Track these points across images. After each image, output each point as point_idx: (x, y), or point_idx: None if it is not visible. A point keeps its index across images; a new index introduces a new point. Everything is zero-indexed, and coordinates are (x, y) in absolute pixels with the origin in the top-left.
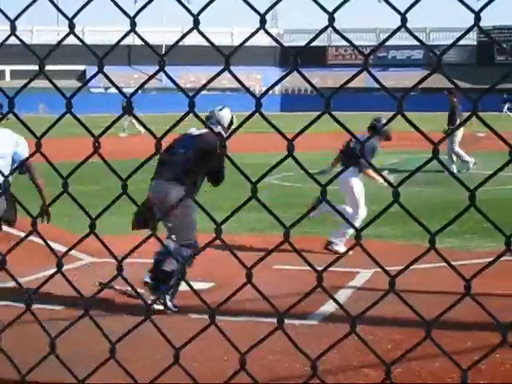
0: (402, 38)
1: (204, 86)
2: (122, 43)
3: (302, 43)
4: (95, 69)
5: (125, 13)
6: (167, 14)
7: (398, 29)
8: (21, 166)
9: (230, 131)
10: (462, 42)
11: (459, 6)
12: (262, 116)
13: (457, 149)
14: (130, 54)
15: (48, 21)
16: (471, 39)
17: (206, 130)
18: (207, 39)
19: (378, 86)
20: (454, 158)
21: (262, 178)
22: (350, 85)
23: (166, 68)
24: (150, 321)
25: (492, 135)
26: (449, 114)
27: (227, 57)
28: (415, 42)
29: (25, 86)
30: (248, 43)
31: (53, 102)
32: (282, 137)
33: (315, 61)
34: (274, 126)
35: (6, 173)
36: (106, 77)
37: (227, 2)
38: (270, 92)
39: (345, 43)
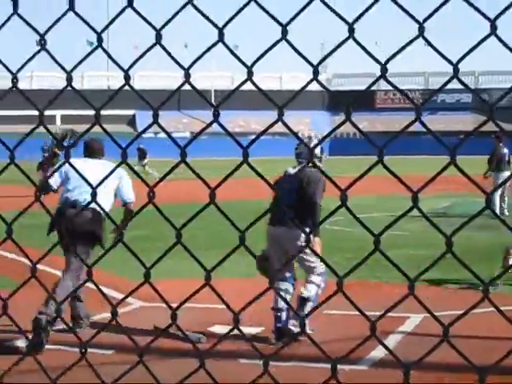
0: (451, 82)
1: (258, 137)
2: (171, 88)
3: (351, 87)
4: (145, 113)
5: (179, 64)
6: (216, 59)
7: (451, 79)
8: (123, 201)
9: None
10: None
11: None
12: (315, 166)
13: (494, 194)
14: (180, 98)
15: (98, 66)
16: None
17: (301, 167)
18: (260, 90)
19: (426, 129)
20: (498, 202)
21: (320, 223)
22: (401, 128)
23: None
24: (204, 369)
25: None
26: (489, 158)
27: (280, 108)
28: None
29: (83, 134)
30: (297, 88)
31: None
32: (335, 187)
33: (364, 105)
34: (327, 176)
35: (108, 203)
36: (160, 127)
37: (276, 47)
38: (319, 136)
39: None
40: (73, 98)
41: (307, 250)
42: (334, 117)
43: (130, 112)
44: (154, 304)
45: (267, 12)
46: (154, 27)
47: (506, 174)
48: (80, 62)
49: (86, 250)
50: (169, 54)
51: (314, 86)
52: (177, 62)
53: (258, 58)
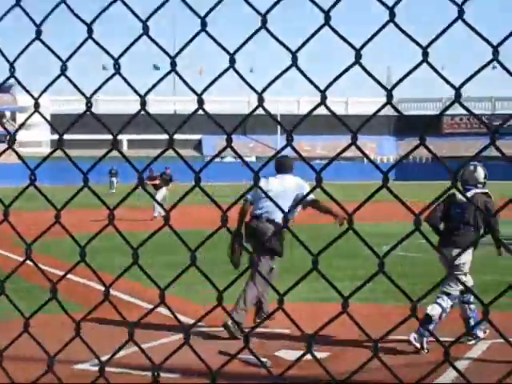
0: None
1: (331, 162)
2: (238, 113)
3: (417, 112)
4: (211, 138)
5: (253, 89)
6: (282, 82)
7: None
8: (304, 203)
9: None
10: None
11: None
12: (390, 191)
13: None
14: (246, 123)
15: (165, 91)
16: None
17: (472, 193)
18: (336, 116)
19: (495, 154)
20: None
21: (389, 252)
22: (470, 154)
23: (282, 137)
24: None
25: None
26: None
27: (354, 133)
28: None
29: (156, 159)
30: (363, 112)
31: (172, 171)
32: (409, 211)
33: (430, 130)
34: (402, 202)
35: (290, 214)
36: (235, 152)
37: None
38: (385, 160)
39: (460, 111)
40: (138, 123)
41: (457, 271)
42: (400, 141)
43: (197, 137)
44: (220, 328)
45: (278, 40)
46: (227, 51)
47: None
48: (154, 87)
49: (266, 260)
50: (243, 78)
51: (381, 111)
52: (251, 87)
53: (329, 85)
